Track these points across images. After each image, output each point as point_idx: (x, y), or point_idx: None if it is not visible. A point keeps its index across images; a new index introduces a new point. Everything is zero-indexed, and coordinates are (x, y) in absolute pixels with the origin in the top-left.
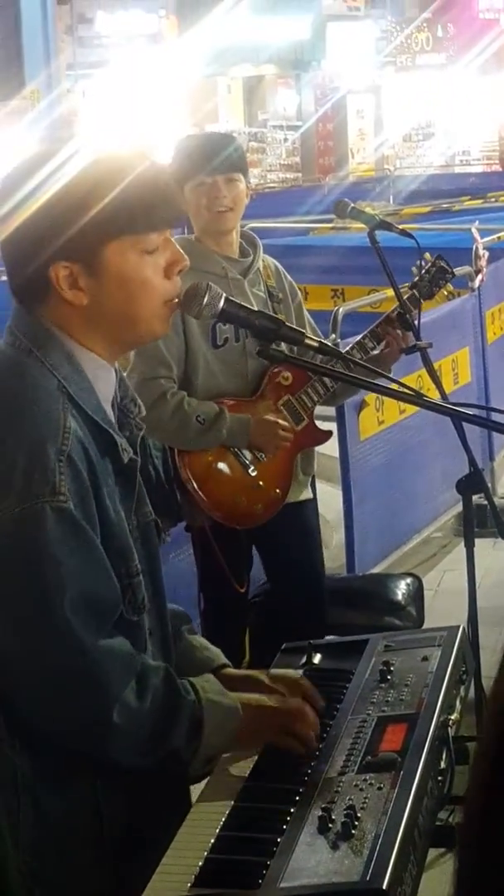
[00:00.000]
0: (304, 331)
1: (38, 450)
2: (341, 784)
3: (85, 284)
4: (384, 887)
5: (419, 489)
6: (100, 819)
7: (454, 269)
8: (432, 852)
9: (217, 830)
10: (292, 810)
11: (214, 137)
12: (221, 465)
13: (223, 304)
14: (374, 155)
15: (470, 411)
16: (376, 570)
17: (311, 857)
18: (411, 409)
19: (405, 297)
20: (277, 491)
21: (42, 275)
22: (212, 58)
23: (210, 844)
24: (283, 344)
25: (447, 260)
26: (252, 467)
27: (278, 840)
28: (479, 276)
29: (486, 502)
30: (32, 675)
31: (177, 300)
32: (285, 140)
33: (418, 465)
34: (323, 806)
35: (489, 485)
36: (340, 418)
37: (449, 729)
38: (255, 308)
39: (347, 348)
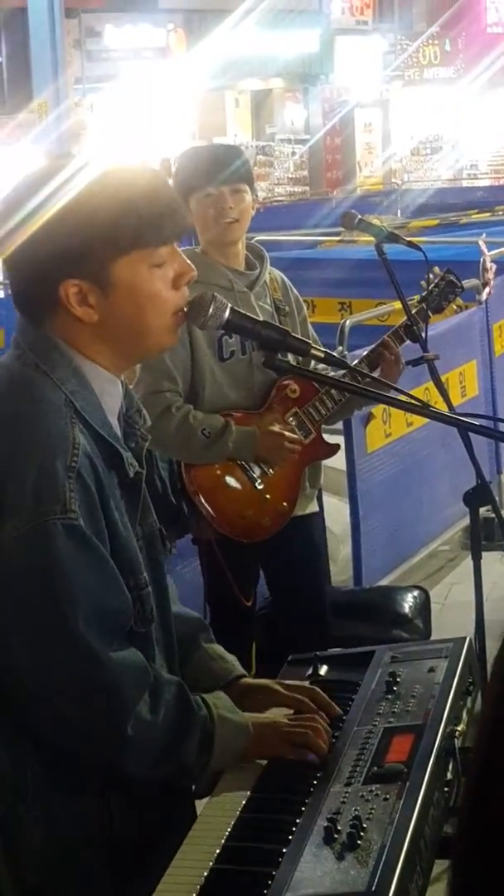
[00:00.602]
0: (309, 341)
1: (48, 466)
2: (347, 795)
3: (95, 301)
4: None
5: (426, 502)
6: (110, 830)
7: (462, 283)
8: (438, 864)
9: (222, 841)
10: (298, 821)
11: (221, 149)
12: (228, 479)
13: (228, 314)
14: (381, 168)
15: (476, 422)
16: (383, 582)
17: (316, 867)
18: (418, 421)
19: (414, 310)
20: (285, 504)
21: (51, 293)
22: (220, 71)
23: (215, 855)
24: (289, 355)
25: (456, 273)
26: (259, 481)
27: (283, 851)
28: (487, 289)
29: (493, 515)
30: (48, 689)
31: (184, 311)
32: (293, 154)
33: (425, 478)
34: (328, 817)
35: (497, 498)
36: (347, 431)
37: (455, 740)
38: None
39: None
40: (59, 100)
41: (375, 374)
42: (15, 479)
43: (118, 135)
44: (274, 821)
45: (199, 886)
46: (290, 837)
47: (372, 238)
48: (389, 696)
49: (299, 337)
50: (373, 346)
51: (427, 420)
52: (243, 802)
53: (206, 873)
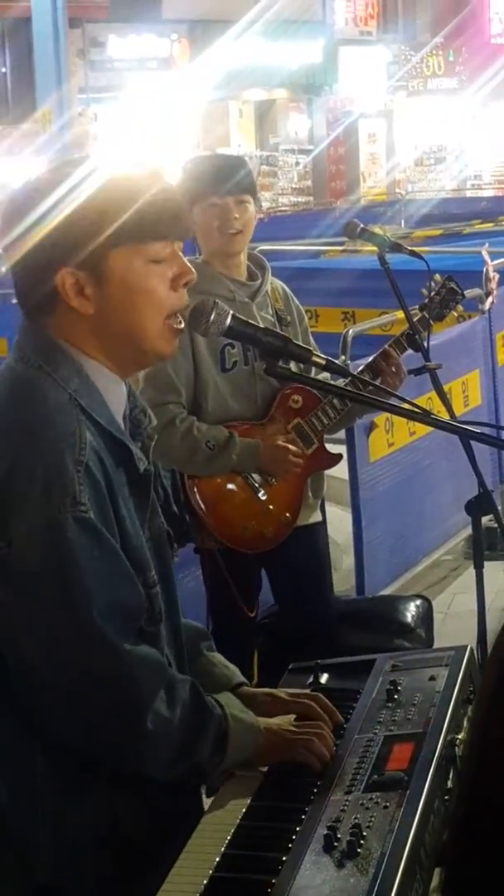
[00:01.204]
0: (310, 348)
1: (57, 460)
2: (347, 803)
3: (91, 293)
4: None
5: (429, 511)
6: (116, 830)
7: (464, 292)
8: (438, 872)
9: (222, 849)
10: (298, 829)
11: (225, 160)
12: (231, 490)
13: (230, 321)
14: (385, 179)
15: (478, 430)
16: (386, 592)
17: (316, 875)
18: (421, 431)
19: (415, 318)
20: (287, 515)
21: (49, 283)
22: (223, 82)
23: (215, 863)
24: (291, 364)
25: (457, 281)
26: (262, 491)
27: (283, 859)
28: (490, 299)
29: (496, 525)
30: (65, 686)
31: (181, 322)
32: (297, 164)
33: (428, 488)
34: (329, 825)
35: (499, 507)
36: (350, 440)
37: (456, 748)
38: None
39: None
40: (62, 110)
41: (377, 383)
42: (24, 475)
43: (122, 145)
44: (274, 829)
45: (198, 894)
46: (290, 845)
47: (375, 248)
48: (390, 705)
49: (300, 344)
50: (374, 355)
51: (430, 429)
52: (243, 810)
53: (205, 881)
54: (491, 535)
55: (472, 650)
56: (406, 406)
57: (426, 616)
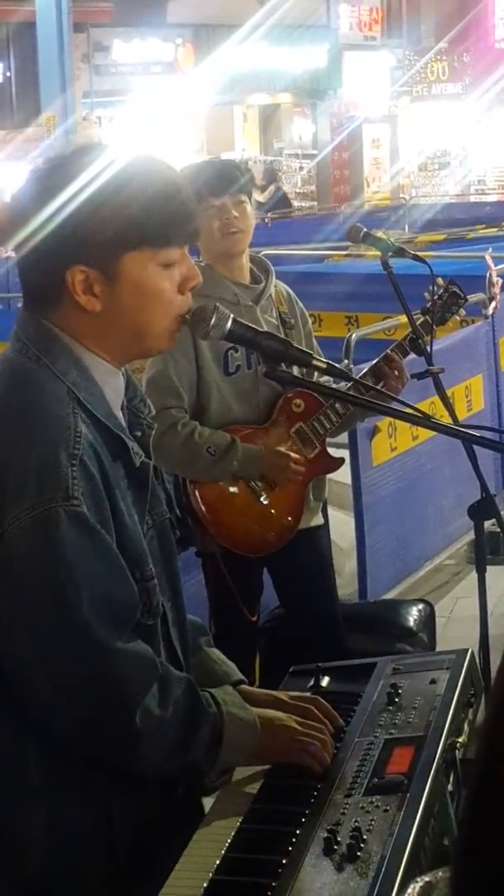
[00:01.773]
0: (311, 352)
1: (50, 454)
2: (347, 806)
3: (100, 291)
4: None
5: (432, 516)
6: (111, 827)
7: (468, 296)
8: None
9: (222, 852)
10: (298, 832)
11: (223, 164)
12: (232, 494)
13: (231, 325)
14: (389, 184)
15: (480, 433)
16: (388, 596)
17: (316, 878)
18: (424, 435)
19: (418, 322)
20: (289, 519)
21: (57, 277)
22: (228, 86)
23: (215, 866)
24: (294, 368)
25: (459, 285)
26: (263, 496)
27: (283, 862)
28: (493, 303)
29: (499, 530)
30: (54, 680)
31: (185, 317)
32: (301, 168)
33: (431, 492)
34: (329, 828)
35: (502, 511)
36: (353, 445)
37: (456, 752)
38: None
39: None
40: (66, 114)
41: (379, 387)
42: (16, 468)
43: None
44: (274, 832)
45: None
46: (290, 849)
47: (379, 252)
48: (391, 708)
49: (301, 348)
50: (377, 359)
51: (432, 434)
52: (243, 813)
53: (205, 884)
54: (493, 539)
55: (472, 654)
56: (408, 410)
57: (428, 620)
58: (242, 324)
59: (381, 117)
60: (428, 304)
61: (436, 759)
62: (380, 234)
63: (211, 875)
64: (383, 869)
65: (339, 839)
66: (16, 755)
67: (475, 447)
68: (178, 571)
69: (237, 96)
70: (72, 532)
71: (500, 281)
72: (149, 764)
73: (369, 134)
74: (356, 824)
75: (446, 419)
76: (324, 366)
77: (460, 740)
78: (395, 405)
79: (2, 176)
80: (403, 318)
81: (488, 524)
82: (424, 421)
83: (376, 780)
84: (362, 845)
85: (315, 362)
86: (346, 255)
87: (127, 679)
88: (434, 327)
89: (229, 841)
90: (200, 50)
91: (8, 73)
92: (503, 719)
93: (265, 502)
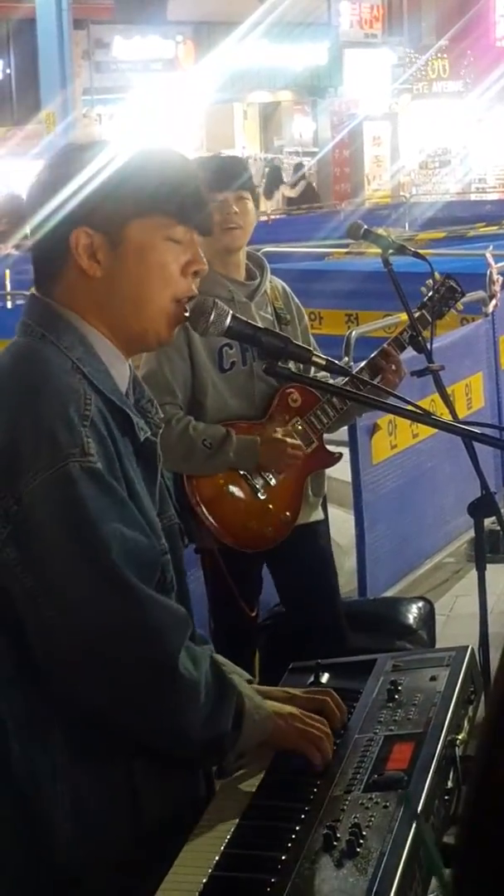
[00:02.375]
0: (310, 348)
1: (62, 414)
2: (347, 802)
3: (103, 257)
4: None
5: (432, 514)
6: (135, 805)
7: (468, 294)
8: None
9: (222, 847)
10: (297, 828)
11: (225, 160)
12: (230, 489)
13: (229, 321)
14: (390, 182)
15: (481, 430)
16: (388, 594)
17: (315, 875)
18: (424, 433)
19: (415, 316)
20: (287, 514)
21: (62, 239)
22: (228, 83)
23: (214, 862)
24: (290, 363)
25: (456, 279)
26: (262, 491)
27: (283, 858)
28: (494, 301)
29: (499, 528)
30: (91, 642)
31: (186, 311)
32: (301, 166)
33: (431, 490)
34: (328, 824)
35: (502, 509)
36: (353, 442)
37: (456, 748)
38: None
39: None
40: (66, 111)
41: (376, 382)
42: (30, 431)
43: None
44: (273, 828)
45: (197, 893)
46: (290, 845)
47: (380, 250)
48: (390, 704)
49: (300, 344)
50: (373, 354)
51: (433, 431)
52: (243, 809)
53: (204, 880)
54: (493, 537)
55: (472, 650)
56: (409, 408)
57: (428, 618)
58: (242, 320)
59: (382, 115)
60: (425, 299)
61: (436, 756)
62: (380, 231)
63: (210, 870)
64: (382, 865)
65: (338, 835)
66: (39, 737)
67: (475, 445)
68: (185, 574)
69: (237, 94)
70: (90, 486)
71: (501, 279)
72: (186, 729)
73: (370, 132)
74: (356, 821)
75: (447, 417)
76: (323, 362)
77: (460, 737)
78: (393, 401)
79: (2, 172)
80: (404, 316)
81: (488, 522)
82: (424, 417)
83: (376, 776)
84: (362, 842)
85: (314, 358)
86: (347, 253)
87: (164, 628)
88: (434, 323)
89: (229, 837)
90: (201, 47)
91: (8, 70)
92: None
93: (263, 497)
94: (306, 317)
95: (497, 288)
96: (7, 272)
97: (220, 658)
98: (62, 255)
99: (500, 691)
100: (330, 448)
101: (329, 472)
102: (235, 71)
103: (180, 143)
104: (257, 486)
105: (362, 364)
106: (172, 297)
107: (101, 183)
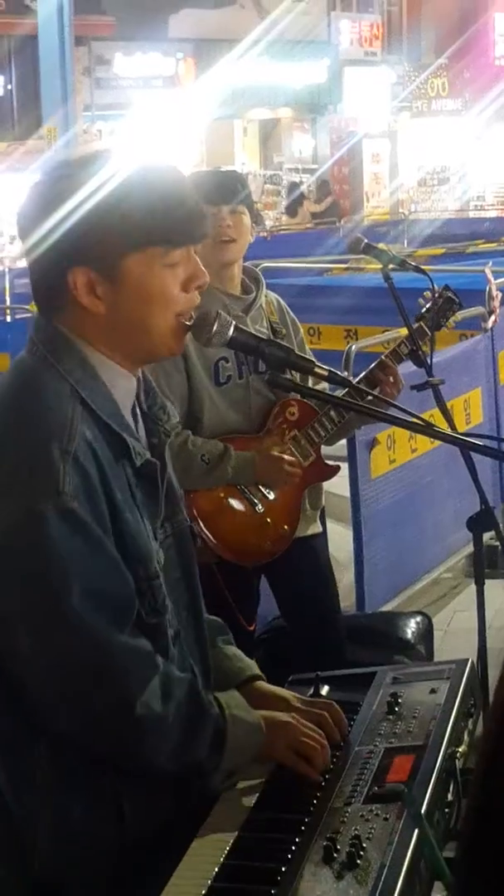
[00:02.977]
0: (312, 359)
1: (42, 449)
2: (347, 814)
3: (102, 293)
4: None
5: (430, 528)
6: (121, 827)
7: (467, 310)
8: (438, 885)
9: (221, 859)
10: (297, 840)
11: (223, 174)
12: (228, 503)
13: (233, 331)
14: (389, 199)
15: (480, 442)
16: (386, 608)
17: (315, 886)
18: (423, 447)
19: (414, 327)
20: (286, 527)
21: (60, 280)
22: (228, 100)
23: (214, 873)
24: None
25: (454, 291)
26: (259, 504)
27: (283, 869)
28: (493, 317)
29: (498, 543)
30: (53, 674)
31: (191, 318)
32: (301, 183)
33: (430, 505)
34: (328, 835)
35: (500, 523)
36: (352, 457)
37: (456, 761)
38: None
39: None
40: (67, 127)
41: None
42: (8, 464)
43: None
44: (273, 839)
45: None
46: (290, 856)
47: (380, 264)
48: (391, 717)
49: (303, 355)
50: (371, 366)
51: (431, 446)
52: (242, 820)
53: (204, 891)
54: (491, 553)
55: (472, 664)
56: (413, 420)
57: (426, 633)
58: (245, 331)
59: (381, 133)
60: (423, 311)
61: (436, 769)
62: (381, 247)
63: (210, 882)
64: (383, 877)
65: (338, 847)
66: (24, 755)
67: (474, 460)
68: (196, 576)
69: (237, 111)
70: (61, 527)
71: (500, 295)
72: (150, 761)
73: (369, 149)
74: (356, 832)
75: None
76: (325, 373)
77: (460, 750)
78: (393, 412)
79: (2, 187)
80: (403, 331)
81: (487, 537)
82: (424, 429)
83: (376, 788)
84: (362, 853)
85: (317, 370)
86: (347, 269)
87: (125, 672)
88: (433, 335)
89: (228, 848)
90: (201, 64)
91: (9, 86)
92: (503, 732)
93: (261, 511)
94: (302, 330)
95: (496, 304)
96: (7, 286)
97: (231, 650)
98: (62, 293)
99: (500, 706)
100: (329, 463)
101: (327, 487)
102: (236, 88)
103: (180, 160)
104: (255, 500)
105: (360, 377)
106: (176, 315)
107: (95, 218)
